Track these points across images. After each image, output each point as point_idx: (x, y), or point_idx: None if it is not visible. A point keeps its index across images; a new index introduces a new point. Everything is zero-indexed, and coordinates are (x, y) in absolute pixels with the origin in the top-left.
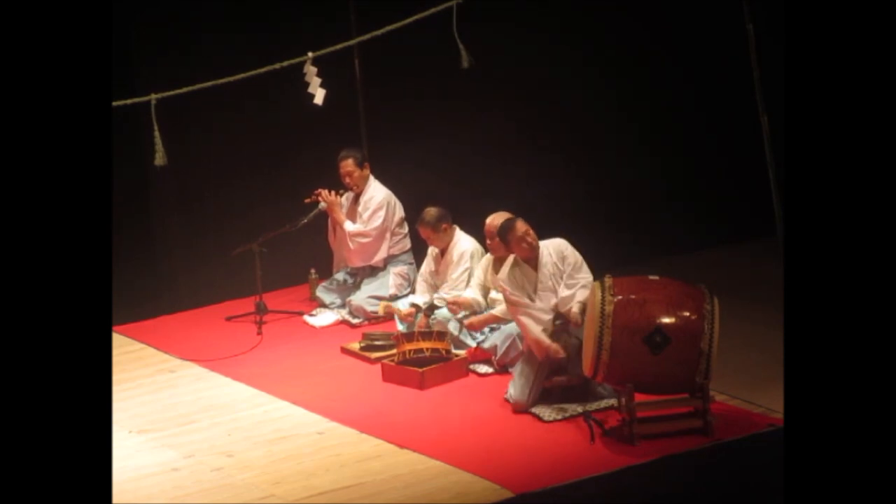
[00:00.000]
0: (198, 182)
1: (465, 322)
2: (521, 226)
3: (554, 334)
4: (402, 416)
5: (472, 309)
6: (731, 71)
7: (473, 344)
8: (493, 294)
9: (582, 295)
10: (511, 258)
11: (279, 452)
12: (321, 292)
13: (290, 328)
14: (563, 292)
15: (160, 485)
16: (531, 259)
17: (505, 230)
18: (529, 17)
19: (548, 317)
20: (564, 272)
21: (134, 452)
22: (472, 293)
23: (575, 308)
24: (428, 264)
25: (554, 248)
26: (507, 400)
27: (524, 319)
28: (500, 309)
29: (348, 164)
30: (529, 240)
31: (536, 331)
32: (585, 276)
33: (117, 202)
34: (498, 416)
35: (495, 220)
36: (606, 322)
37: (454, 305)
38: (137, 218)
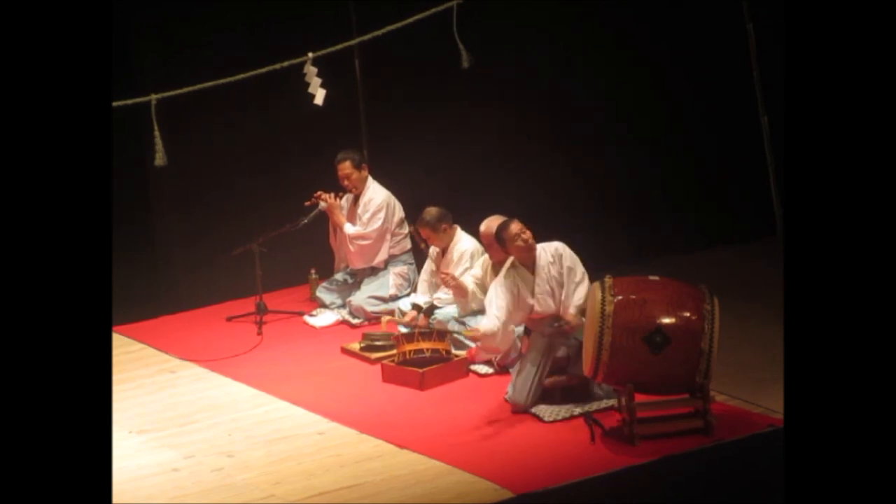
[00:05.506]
0: (198, 182)
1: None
2: (515, 226)
3: (552, 336)
4: (402, 416)
5: (466, 298)
6: (731, 71)
7: (473, 344)
8: None
9: (579, 298)
10: (509, 261)
11: (279, 452)
12: (321, 292)
13: (290, 328)
14: (561, 296)
15: (160, 485)
16: (528, 262)
17: (500, 230)
18: (529, 17)
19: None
20: (564, 274)
21: (134, 452)
22: (472, 285)
23: (571, 310)
24: (429, 264)
25: (552, 251)
26: (506, 400)
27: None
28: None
29: (346, 167)
30: (525, 236)
31: (487, 328)
32: (581, 277)
33: (117, 202)
34: (498, 417)
35: (490, 224)
36: (606, 322)
37: (448, 277)
38: (137, 218)
